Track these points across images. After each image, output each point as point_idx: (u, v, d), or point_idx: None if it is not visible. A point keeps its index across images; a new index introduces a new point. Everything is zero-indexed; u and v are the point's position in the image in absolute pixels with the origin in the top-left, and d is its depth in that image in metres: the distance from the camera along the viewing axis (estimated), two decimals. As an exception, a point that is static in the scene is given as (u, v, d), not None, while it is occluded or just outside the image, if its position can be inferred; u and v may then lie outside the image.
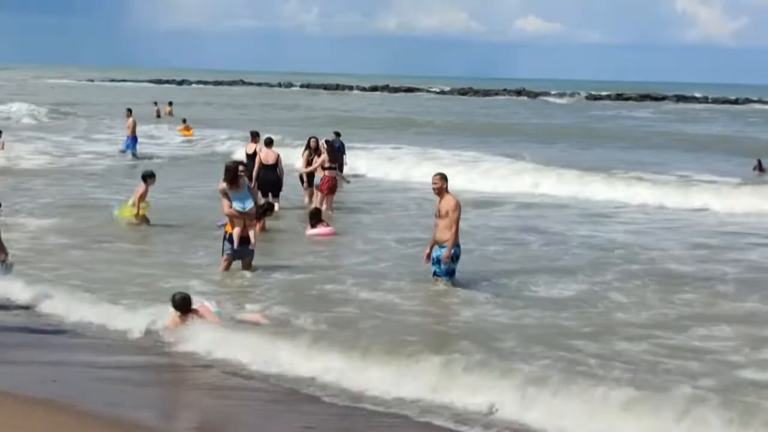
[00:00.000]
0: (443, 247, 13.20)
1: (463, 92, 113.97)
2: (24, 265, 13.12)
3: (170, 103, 57.13)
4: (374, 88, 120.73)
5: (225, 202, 14.16)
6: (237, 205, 14.08)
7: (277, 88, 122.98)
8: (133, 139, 33.13)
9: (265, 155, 21.17)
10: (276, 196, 20.88)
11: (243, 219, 14.14)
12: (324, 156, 20.77)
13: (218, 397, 9.05)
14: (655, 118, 67.53)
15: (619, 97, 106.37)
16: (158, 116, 53.41)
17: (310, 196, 21.43)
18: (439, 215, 13.29)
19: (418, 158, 32.27)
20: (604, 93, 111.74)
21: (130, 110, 34.16)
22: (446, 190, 13.30)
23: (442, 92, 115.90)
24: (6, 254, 11.89)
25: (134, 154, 32.62)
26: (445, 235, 13.13)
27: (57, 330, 10.93)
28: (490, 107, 79.64)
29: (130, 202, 17.64)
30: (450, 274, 13.40)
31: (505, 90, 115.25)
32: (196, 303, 10.99)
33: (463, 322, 11.66)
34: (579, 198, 24.11)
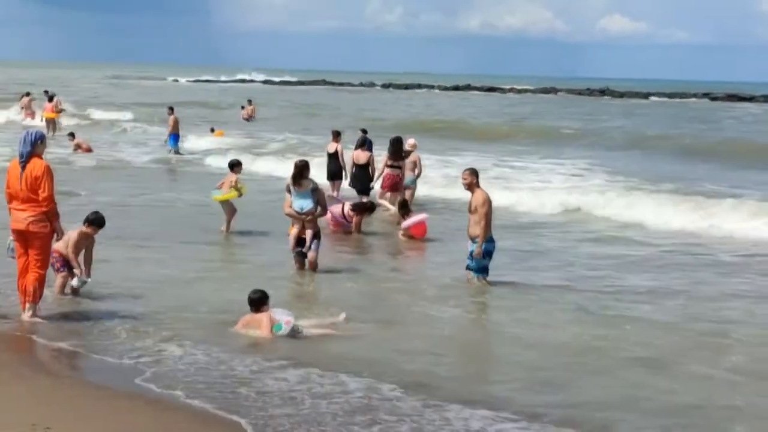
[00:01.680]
0: (475, 242, 13.23)
1: (546, 91, 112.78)
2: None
3: (249, 101, 56.53)
4: (456, 88, 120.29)
5: (286, 200, 14.14)
6: (295, 205, 14.01)
7: (359, 88, 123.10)
8: (175, 136, 33.86)
9: (357, 155, 21.52)
10: (366, 194, 21.09)
11: (301, 220, 14.05)
12: (385, 154, 21.07)
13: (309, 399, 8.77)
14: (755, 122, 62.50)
15: (706, 96, 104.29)
16: (248, 119, 52.79)
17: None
18: (469, 211, 13.36)
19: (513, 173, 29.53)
20: (690, 92, 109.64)
21: (171, 108, 34.84)
22: (477, 185, 13.32)
23: (526, 91, 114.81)
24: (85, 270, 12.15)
25: (176, 151, 33.48)
26: (476, 230, 13.19)
27: (151, 323, 11.00)
28: (575, 107, 77.90)
29: (225, 189, 17.60)
30: (482, 270, 13.34)
31: (588, 89, 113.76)
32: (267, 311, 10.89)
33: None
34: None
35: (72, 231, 12.07)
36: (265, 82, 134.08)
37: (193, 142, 36.08)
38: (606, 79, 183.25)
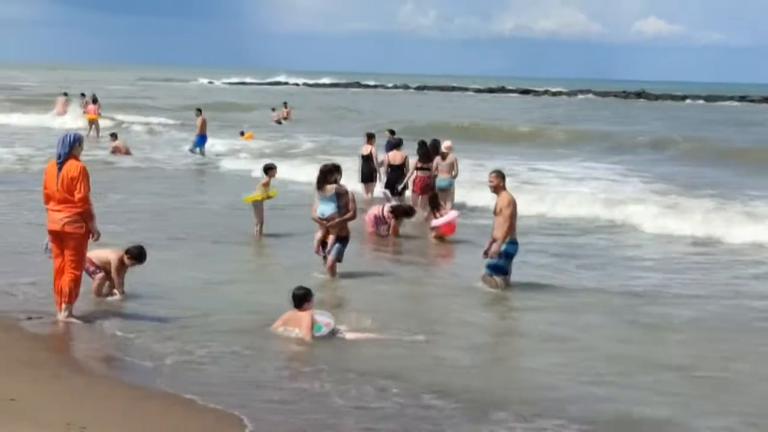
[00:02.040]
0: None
1: (580, 93, 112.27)
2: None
3: (285, 104, 56.34)
4: (490, 90, 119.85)
5: (314, 204, 14.15)
6: (318, 210, 13.98)
7: (393, 90, 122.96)
8: (202, 137, 34.01)
9: (393, 156, 21.71)
10: (394, 194, 21.13)
11: (323, 225, 14.01)
12: (416, 157, 21.04)
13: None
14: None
15: (743, 99, 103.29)
16: (278, 122, 52.66)
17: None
18: (495, 213, 13.46)
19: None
20: (727, 95, 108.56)
21: (199, 110, 35.05)
22: (503, 188, 13.40)
23: (560, 93, 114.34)
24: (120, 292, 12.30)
25: (201, 152, 33.54)
26: (499, 232, 13.24)
27: (181, 325, 11.07)
28: (610, 110, 77.05)
29: (256, 191, 17.61)
30: (496, 269, 13.36)
31: (624, 92, 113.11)
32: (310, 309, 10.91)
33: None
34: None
35: (111, 252, 12.22)
36: (300, 84, 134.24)
37: (215, 144, 35.96)
38: (641, 82, 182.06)
